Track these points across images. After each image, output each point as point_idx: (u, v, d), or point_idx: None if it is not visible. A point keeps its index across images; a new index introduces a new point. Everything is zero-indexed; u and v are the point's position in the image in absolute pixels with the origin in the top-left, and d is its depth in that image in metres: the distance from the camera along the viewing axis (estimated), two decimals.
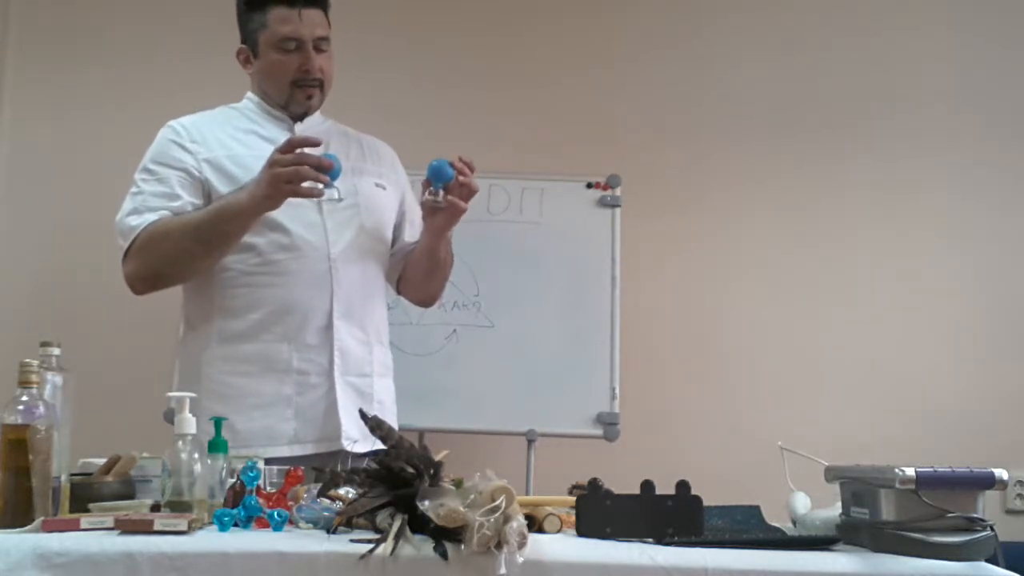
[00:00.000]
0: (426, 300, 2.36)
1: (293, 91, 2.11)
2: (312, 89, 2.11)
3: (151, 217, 2.00)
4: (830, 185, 3.40)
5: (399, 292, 2.35)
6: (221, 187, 2.03)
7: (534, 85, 3.39)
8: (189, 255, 1.99)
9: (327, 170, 1.87)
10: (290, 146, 1.88)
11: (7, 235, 3.31)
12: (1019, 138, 3.43)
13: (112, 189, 3.32)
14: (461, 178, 2.00)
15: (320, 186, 1.87)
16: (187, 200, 2.03)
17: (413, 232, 2.28)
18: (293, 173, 1.85)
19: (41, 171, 3.35)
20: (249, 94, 2.22)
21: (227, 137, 2.11)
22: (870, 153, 3.42)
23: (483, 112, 3.33)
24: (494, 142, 3.27)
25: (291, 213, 2.01)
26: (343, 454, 2.02)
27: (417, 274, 2.25)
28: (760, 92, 3.44)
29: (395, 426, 2.05)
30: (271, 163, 1.87)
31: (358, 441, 2.01)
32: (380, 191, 2.19)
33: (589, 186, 3.11)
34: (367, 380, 2.11)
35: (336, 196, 1.99)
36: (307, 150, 1.89)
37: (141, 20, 3.43)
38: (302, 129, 2.14)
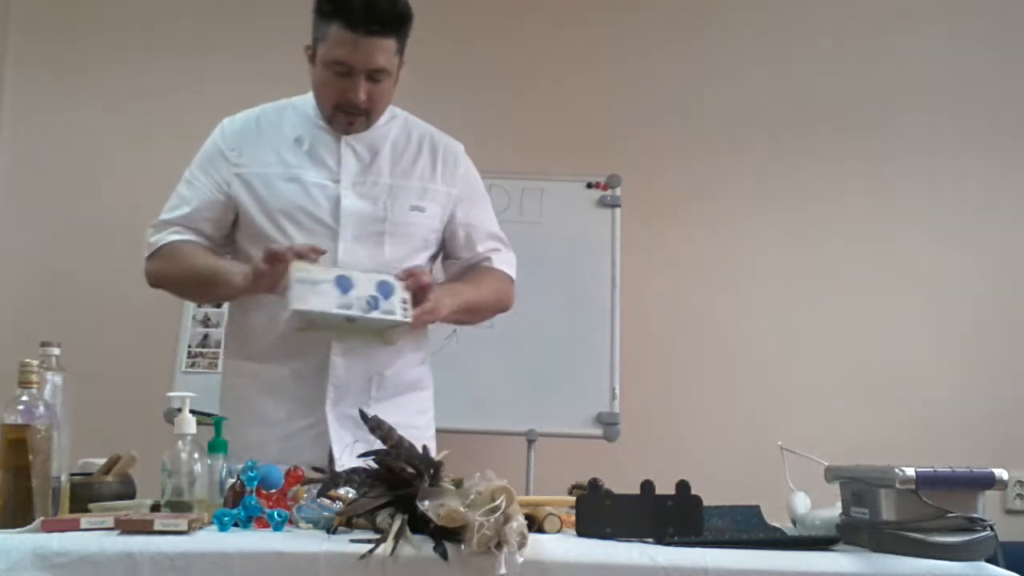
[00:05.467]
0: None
1: (335, 113, 2.03)
2: (354, 116, 2.03)
3: (168, 238, 2.06)
4: (830, 185, 3.40)
5: None
6: (248, 206, 2.05)
7: (534, 85, 3.39)
8: (186, 289, 2.15)
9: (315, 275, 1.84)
10: (271, 257, 1.86)
11: (7, 235, 3.31)
12: (1020, 139, 3.43)
13: (112, 189, 3.36)
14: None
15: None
16: (206, 218, 2.07)
17: (471, 247, 2.18)
18: (273, 285, 1.87)
19: (41, 171, 3.36)
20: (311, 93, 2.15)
21: (268, 148, 2.08)
22: (870, 153, 3.42)
23: (483, 112, 3.33)
24: (494, 142, 3.27)
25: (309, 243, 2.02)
26: (327, 471, 1.99)
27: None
28: (760, 92, 3.44)
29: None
30: (256, 274, 1.89)
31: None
32: (415, 215, 2.09)
33: (589, 186, 3.11)
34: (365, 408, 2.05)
35: (351, 314, 1.84)
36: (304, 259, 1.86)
37: (141, 20, 3.43)
38: (349, 139, 2.08)
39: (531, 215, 3.06)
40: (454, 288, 2.09)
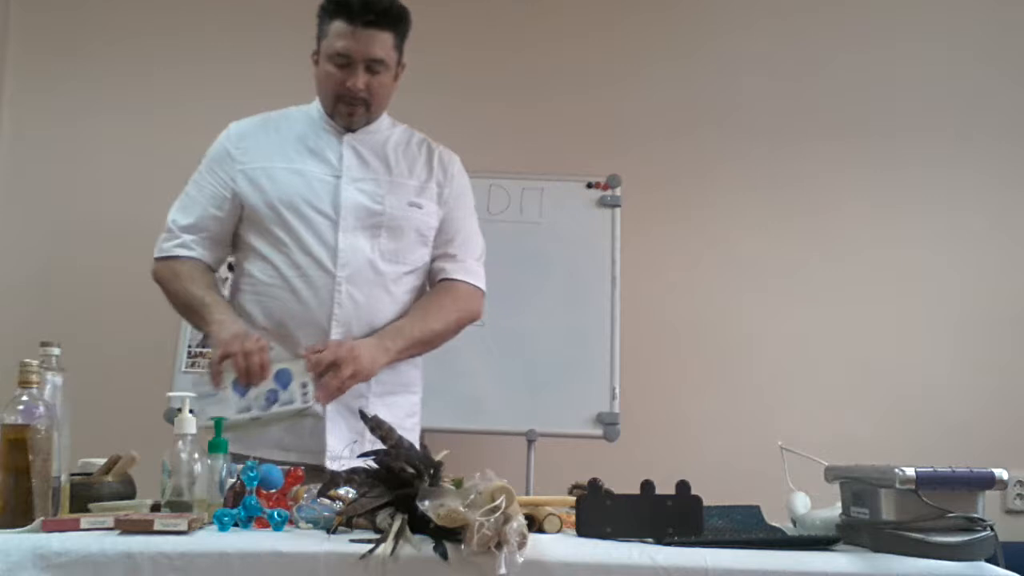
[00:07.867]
0: None
1: (336, 105, 2.14)
2: (353, 107, 2.13)
3: (175, 251, 2.15)
4: (829, 186, 3.40)
5: None
6: (251, 197, 2.13)
7: (535, 86, 3.39)
8: (175, 305, 2.18)
9: (252, 380, 1.91)
10: (225, 354, 1.93)
11: (7, 235, 3.31)
12: (1017, 142, 3.43)
13: (112, 189, 3.36)
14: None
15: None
16: (214, 216, 2.15)
17: (445, 244, 2.25)
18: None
19: (41, 171, 3.36)
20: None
21: (274, 146, 2.17)
22: (869, 155, 3.42)
23: (484, 112, 3.34)
24: (494, 142, 3.27)
25: (310, 231, 2.10)
26: (327, 470, 2.01)
27: None
28: (760, 93, 3.45)
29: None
30: (222, 346, 1.95)
31: (344, 459, 2.02)
32: (413, 211, 2.18)
33: (589, 186, 3.11)
34: (362, 401, 2.09)
35: (253, 415, 1.92)
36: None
37: (140, 21, 3.44)
38: (350, 139, 2.17)
39: (531, 215, 3.07)
40: (398, 328, 2.12)
